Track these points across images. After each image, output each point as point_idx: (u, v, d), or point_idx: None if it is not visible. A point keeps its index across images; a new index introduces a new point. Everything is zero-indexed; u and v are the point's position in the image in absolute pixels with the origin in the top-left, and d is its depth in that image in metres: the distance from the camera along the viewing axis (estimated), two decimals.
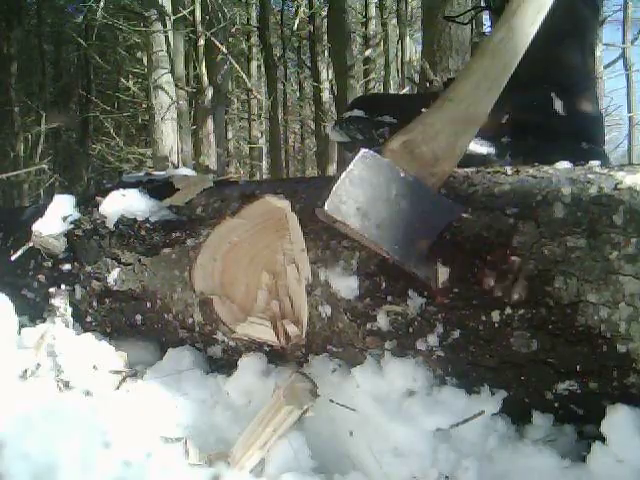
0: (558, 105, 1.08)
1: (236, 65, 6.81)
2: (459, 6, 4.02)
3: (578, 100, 1.10)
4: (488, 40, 0.86)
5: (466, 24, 1.71)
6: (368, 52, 8.25)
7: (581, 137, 1.09)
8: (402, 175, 0.78)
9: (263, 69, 8.72)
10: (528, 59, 1.09)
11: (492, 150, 1.05)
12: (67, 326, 1.08)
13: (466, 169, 0.85)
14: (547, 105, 1.07)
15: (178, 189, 1.11)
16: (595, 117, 1.14)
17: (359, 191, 0.75)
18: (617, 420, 0.68)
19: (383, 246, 0.75)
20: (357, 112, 1.06)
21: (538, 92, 1.07)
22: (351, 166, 0.77)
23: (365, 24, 8.67)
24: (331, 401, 0.82)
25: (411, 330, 0.80)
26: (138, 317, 1.09)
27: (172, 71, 5.27)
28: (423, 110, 1.08)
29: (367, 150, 0.78)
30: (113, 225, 1.11)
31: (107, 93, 10.60)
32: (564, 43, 1.08)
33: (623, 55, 9.30)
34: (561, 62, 1.09)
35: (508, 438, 0.75)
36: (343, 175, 0.76)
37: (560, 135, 1.07)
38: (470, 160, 1.03)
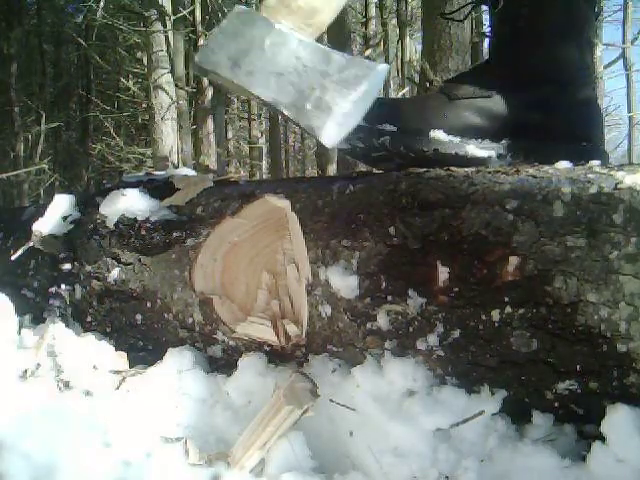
0: (557, 104, 1.07)
1: None
2: (459, 6, 4.02)
3: (577, 97, 1.09)
4: None
5: (462, 21, 1.70)
6: (368, 52, 8.26)
7: (581, 136, 1.09)
8: (277, 27, 0.79)
9: None
10: (527, 57, 1.09)
11: (493, 153, 1.05)
12: (67, 326, 1.08)
13: (466, 169, 0.85)
14: (547, 105, 1.07)
15: (178, 189, 1.11)
16: (595, 115, 1.14)
17: (231, 43, 0.78)
18: (617, 420, 0.68)
19: (253, 91, 0.77)
20: None
21: (537, 92, 1.07)
22: (225, 21, 0.79)
23: (365, 24, 8.68)
24: (331, 401, 0.82)
25: (411, 330, 0.80)
26: (138, 317, 1.09)
27: (172, 71, 5.27)
28: (423, 113, 1.08)
29: (241, 7, 0.81)
30: (113, 225, 1.11)
31: (107, 93, 10.61)
32: (562, 39, 1.08)
33: (623, 55, 9.31)
34: (559, 58, 1.08)
35: (508, 438, 0.75)
36: (216, 29, 0.79)
37: (560, 135, 1.07)
38: (470, 163, 1.03)
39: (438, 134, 1.04)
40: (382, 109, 1.06)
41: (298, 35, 0.80)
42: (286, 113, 0.78)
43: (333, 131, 0.77)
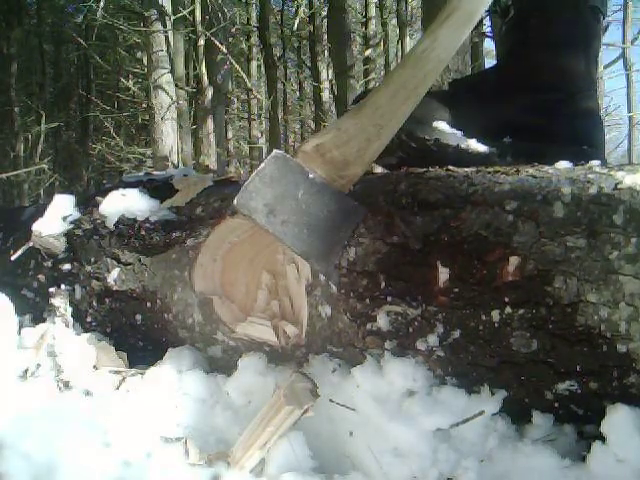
0: (560, 110, 1.08)
1: (236, 65, 6.81)
2: None
3: (580, 106, 1.11)
4: (412, 49, 0.88)
5: (472, 30, 1.71)
6: (368, 52, 8.26)
7: (582, 141, 1.10)
8: (311, 176, 0.82)
9: (263, 69, 8.71)
10: (534, 64, 1.10)
11: (493, 150, 1.06)
12: (67, 326, 1.08)
13: (466, 169, 0.85)
14: (550, 109, 1.08)
15: (178, 190, 1.11)
16: (597, 125, 1.15)
17: (268, 189, 0.80)
18: (617, 420, 0.68)
19: (286, 241, 0.80)
20: None
21: (542, 96, 1.08)
22: (263, 165, 0.82)
23: (365, 24, 8.67)
24: (331, 401, 0.82)
25: (411, 330, 0.80)
26: (138, 317, 1.09)
27: (172, 71, 5.27)
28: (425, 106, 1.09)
29: (279, 151, 0.83)
30: (113, 225, 1.11)
31: (107, 93, 10.61)
32: (569, 50, 1.09)
33: (623, 55, 9.30)
34: (565, 68, 1.10)
35: (508, 438, 0.75)
36: (254, 173, 0.81)
37: (561, 138, 1.08)
38: (471, 159, 1.03)
39: (441, 125, 1.05)
40: None
41: (331, 187, 0.83)
42: (316, 267, 0.83)
43: None
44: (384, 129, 0.85)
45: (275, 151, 0.83)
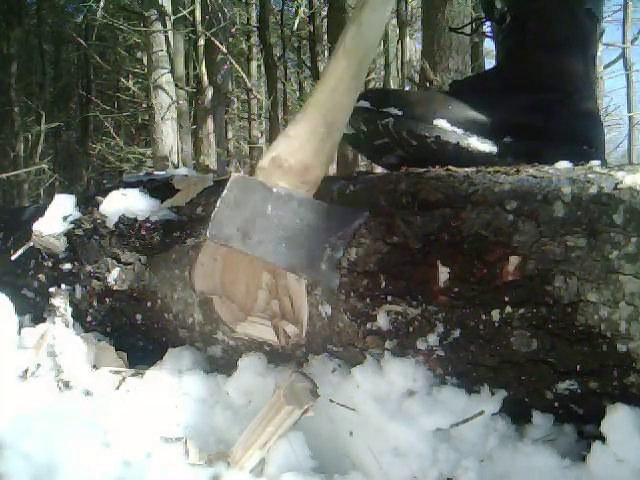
0: (560, 110, 1.09)
1: (236, 65, 6.81)
2: (459, 6, 4.03)
3: (580, 107, 1.11)
4: (340, 40, 0.88)
5: (470, 35, 1.73)
6: None
7: (582, 141, 1.10)
8: (274, 190, 0.81)
9: (263, 69, 8.71)
10: (533, 66, 1.11)
11: (494, 149, 1.06)
12: (67, 326, 1.08)
13: (466, 169, 0.85)
14: (549, 109, 1.08)
15: (178, 189, 1.11)
16: (596, 125, 1.16)
17: (237, 213, 0.80)
18: (617, 420, 0.68)
19: (268, 260, 0.79)
20: (363, 103, 1.06)
21: (541, 96, 1.09)
22: (225, 191, 0.81)
23: None
24: (331, 401, 0.82)
25: (411, 330, 0.80)
26: (138, 317, 1.09)
27: (172, 71, 5.27)
28: (427, 102, 1.10)
29: (237, 174, 0.83)
30: (113, 225, 1.11)
31: (107, 93, 10.61)
32: (567, 52, 1.10)
33: (623, 55, 9.31)
34: (563, 69, 1.11)
35: (508, 438, 0.75)
36: (219, 201, 0.80)
37: (561, 138, 1.08)
38: (471, 157, 1.03)
39: (442, 122, 1.05)
40: (389, 95, 1.08)
41: (297, 195, 0.82)
42: (304, 277, 0.81)
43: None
44: (333, 125, 0.85)
45: (233, 174, 0.83)
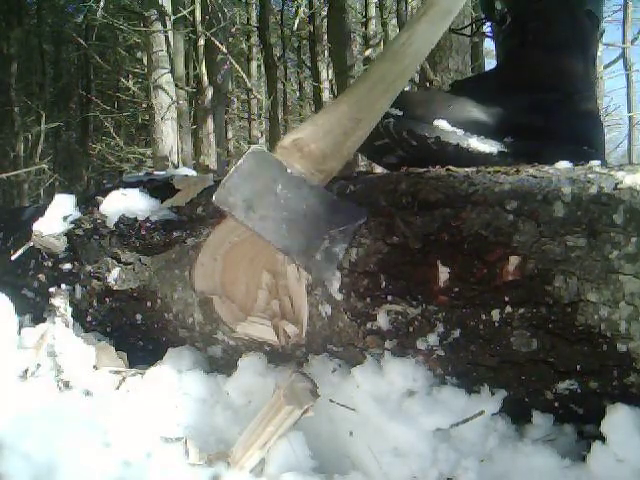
0: (560, 110, 1.09)
1: (236, 65, 6.81)
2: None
3: (580, 107, 1.12)
4: (390, 44, 0.89)
5: (471, 36, 1.74)
6: (368, 52, 8.25)
7: (582, 141, 1.10)
8: (289, 171, 0.82)
9: (263, 69, 8.71)
10: (533, 66, 1.11)
11: (494, 149, 1.06)
12: (67, 326, 1.08)
13: (466, 169, 0.85)
14: (549, 109, 1.09)
15: (178, 190, 1.11)
16: (596, 126, 1.16)
17: (246, 185, 0.80)
18: (617, 420, 0.68)
19: (265, 236, 0.79)
20: None
21: (541, 96, 1.09)
22: (241, 161, 0.81)
23: (365, 24, 8.67)
24: (331, 401, 0.82)
25: (411, 330, 0.80)
26: (138, 317, 1.09)
27: (172, 71, 5.27)
28: (427, 101, 1.10)
29: (257, 146, 0.83)
30: (113, 225, 1.11)
31: (107, 93, 10.61)
32: (568, 52, 1.10)
33: (623, 55, 9.32)
34: (564, 70, 1.11)
35: (508, 438, 0.75)
36: (233, 169, 0.81)
37: (561, 138, 1.08)
38: (472, 158, 1.03)
39: (442, 123, 1.05)
40: None
41: (309, 181, 0.83)
42: (296, 261, 0.81)
43: (338, 280, 0.83)
44: (362, 122, 0.85)
45: (253, 146, 0.83)
